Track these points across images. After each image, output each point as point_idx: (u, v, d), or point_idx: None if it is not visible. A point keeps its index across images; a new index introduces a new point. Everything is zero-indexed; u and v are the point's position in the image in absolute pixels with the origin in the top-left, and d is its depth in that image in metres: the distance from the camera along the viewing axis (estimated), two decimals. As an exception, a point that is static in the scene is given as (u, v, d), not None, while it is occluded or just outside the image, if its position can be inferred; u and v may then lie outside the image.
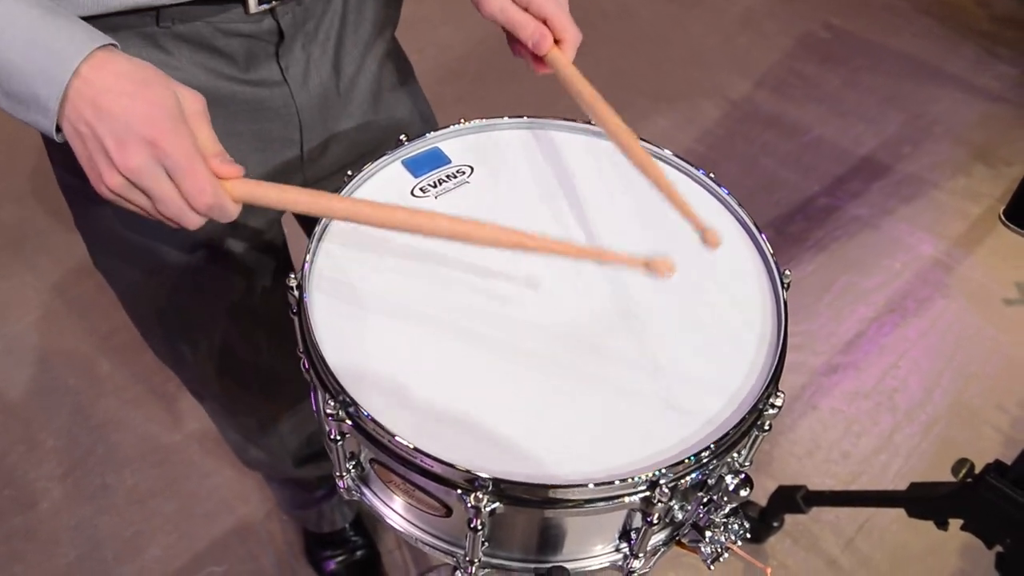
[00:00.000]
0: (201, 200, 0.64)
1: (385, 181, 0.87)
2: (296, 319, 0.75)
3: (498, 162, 0.90)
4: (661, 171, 0.79)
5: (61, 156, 0.86)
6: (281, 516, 1.64)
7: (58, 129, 0.64)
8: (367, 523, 1.60)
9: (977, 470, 1.29)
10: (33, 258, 2.09)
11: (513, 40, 0.86)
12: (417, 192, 0.86)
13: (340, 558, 1.56)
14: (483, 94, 2.61)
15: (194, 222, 0.66)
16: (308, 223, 1.06)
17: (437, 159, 0.90)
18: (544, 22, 0.83)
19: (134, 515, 1.64)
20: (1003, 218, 0.98)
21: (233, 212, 0.67)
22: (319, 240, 0.80)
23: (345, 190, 0.84)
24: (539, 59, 0.85)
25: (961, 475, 1.31)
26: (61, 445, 1.74)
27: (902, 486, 1.44)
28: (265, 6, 0.78)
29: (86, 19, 0.71)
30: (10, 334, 1.94)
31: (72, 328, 1.96)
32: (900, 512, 1.43)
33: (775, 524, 1.62)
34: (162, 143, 0.61)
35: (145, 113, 0.61)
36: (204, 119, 0.67)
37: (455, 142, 0.92)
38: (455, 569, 0.75)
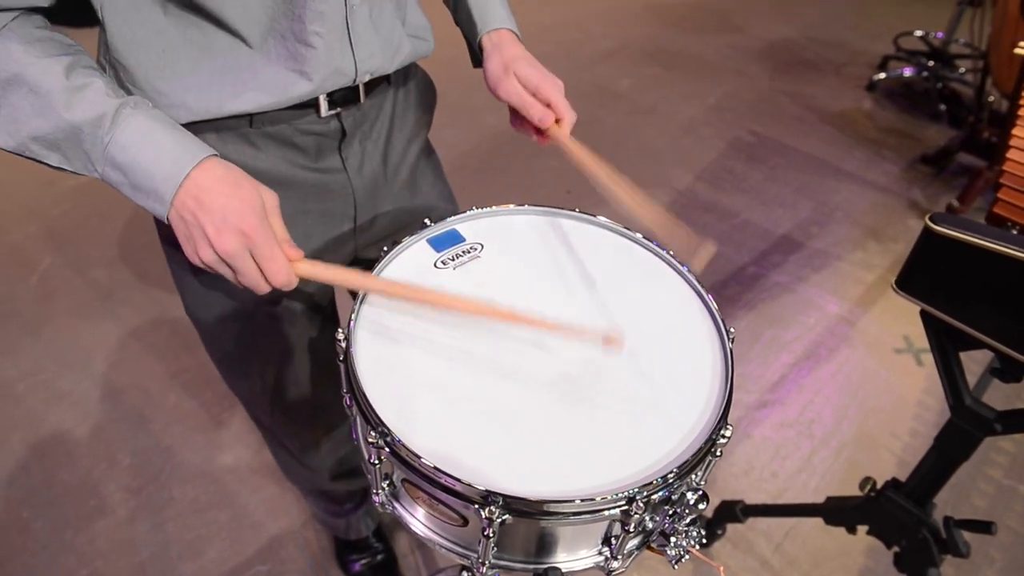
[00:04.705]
0: (277, 279, 0.68)
1: (414, 255, 0.88)
2: (343, 365, 0.75)
3: (503, 240, 0.92)
4: (655, 211, 0.80)
5: (167, 234, 0.88)
6: (315, 525, 1.61)
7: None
8: (387, 532, 1.58)
9: (878, 486, 1.29)
10: (117, 310, 2.08)
11: (517, 119, 0.90)
12: (439, 264, 0.87)
13: (364, 561, 1.53)
14: (480, 184, 2.64)
15: (265, 291, 0.70)
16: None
17: (455, 238, 0.90)
18: (547, 105, 0.86)
19: (195, 523, 1.60)
20: (895, 287, 1.00)
21: (294, 284, 0.71)
22: (361, 303, 0.81)
23: (383, 261, 0.85)
24: (541, 133, 0.88)
25: (866, 490, 1.31)
26: (136, 464, 1.71)
27: (820, 499, 1.44)
28: (333, 111, 0.81)
29: (197, 122, 0.74)
30: (96, 372, 1.92)
31: (146, 368, 1.94)
32: (819, 520, 1.43)
33: (719, 532, 1.61)
34: (251, 234, 0.65)
35: (238, 209, 0.64)
36: (278, 212, 0.70)
37: (469, 225, 0.93)
38: (463, 569, 0.74)
